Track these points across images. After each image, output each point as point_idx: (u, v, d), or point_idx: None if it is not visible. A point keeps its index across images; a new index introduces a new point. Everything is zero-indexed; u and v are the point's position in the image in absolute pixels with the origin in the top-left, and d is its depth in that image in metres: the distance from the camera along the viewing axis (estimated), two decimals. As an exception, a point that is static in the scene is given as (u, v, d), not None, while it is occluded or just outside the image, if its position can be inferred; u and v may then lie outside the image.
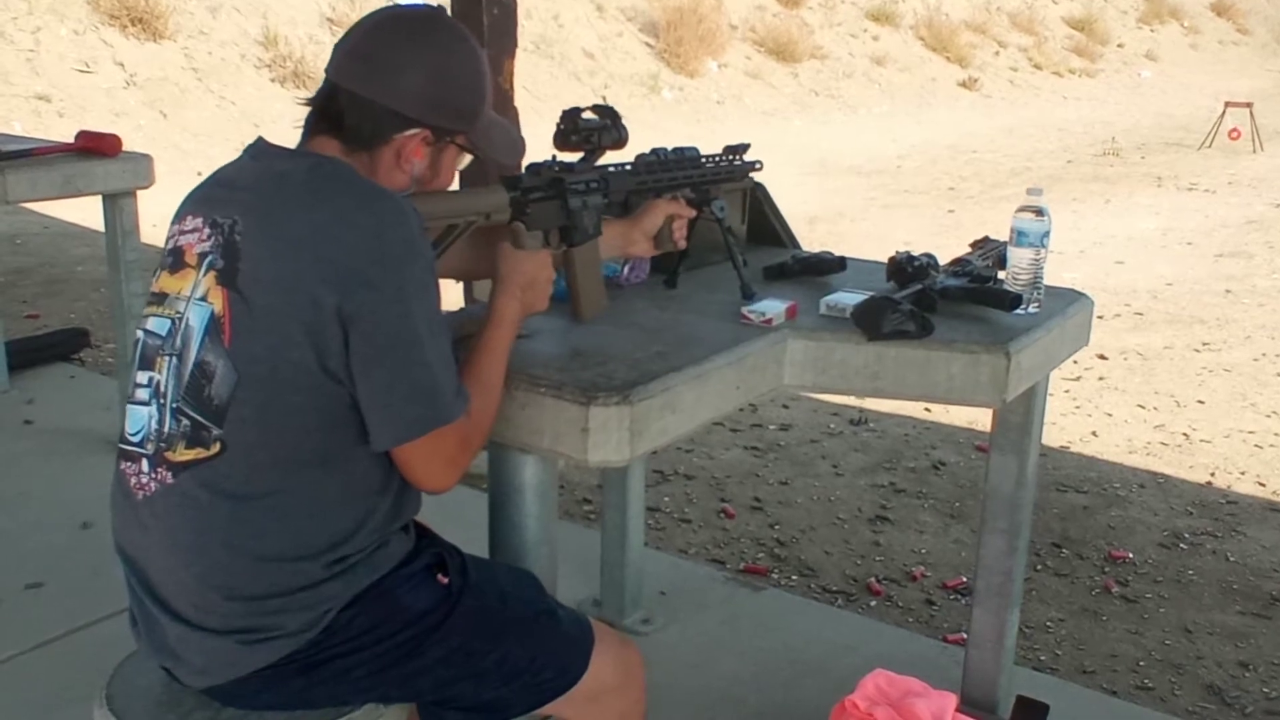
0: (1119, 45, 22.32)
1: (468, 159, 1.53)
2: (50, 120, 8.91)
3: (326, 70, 1.45)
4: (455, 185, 1.59)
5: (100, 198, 3.53)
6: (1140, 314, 6.19)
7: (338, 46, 1.45)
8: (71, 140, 3.52)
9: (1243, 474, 4.01)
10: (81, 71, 9.68)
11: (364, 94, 1.40)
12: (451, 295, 3.13)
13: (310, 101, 1.45)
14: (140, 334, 1.41)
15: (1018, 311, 1.85)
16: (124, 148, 3.52)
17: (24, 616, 2.54)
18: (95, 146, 3.45)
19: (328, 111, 1.42)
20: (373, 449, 1.35)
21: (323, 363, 1.29)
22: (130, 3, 10.17)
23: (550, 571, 1.64)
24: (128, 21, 10.16)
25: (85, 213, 6.05)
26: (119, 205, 3.51)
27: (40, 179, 3.33)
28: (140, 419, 1.38)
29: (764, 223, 2.32)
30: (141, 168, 3.51)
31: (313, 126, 1.43)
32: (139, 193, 3.52)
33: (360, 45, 1.43)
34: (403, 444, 1.35)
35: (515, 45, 3.33)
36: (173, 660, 1.38)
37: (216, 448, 1.31)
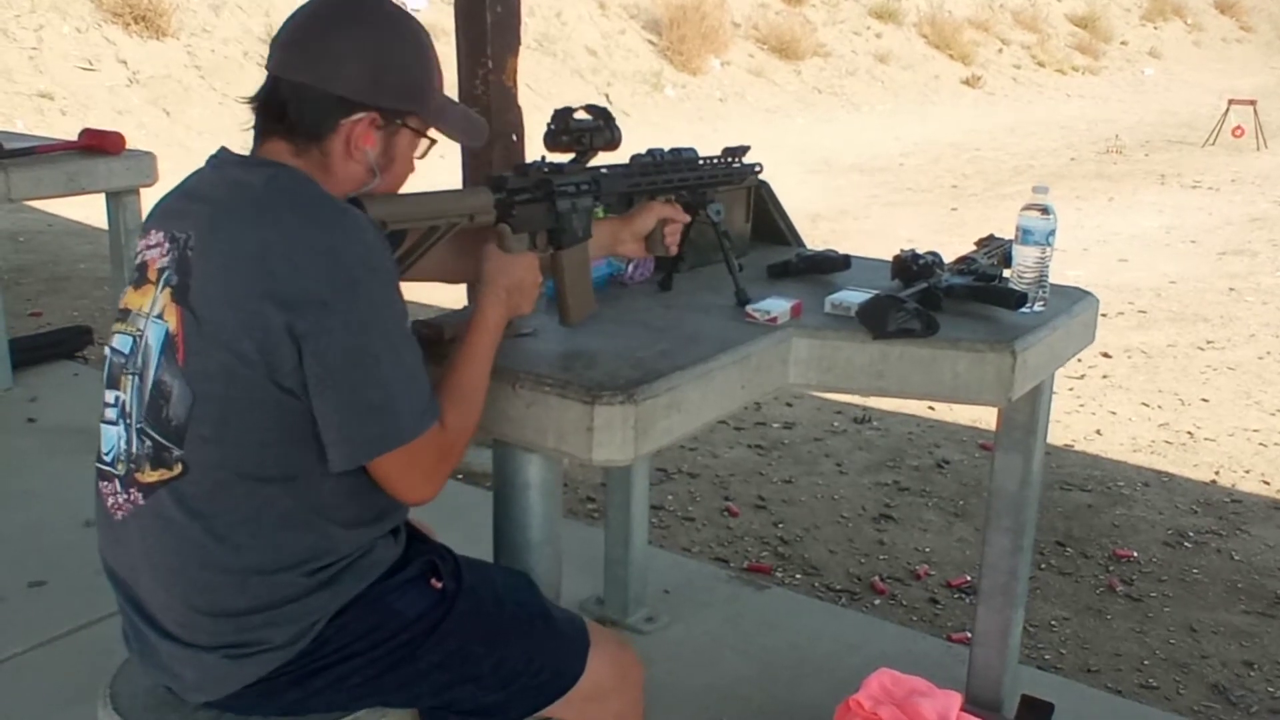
0: (1122, 43, 22.29)
1: (425, 145, 1.47)
2: (53, 118, 8.91)
3: (267, 65, 1.41)
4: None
5: (104, 195, 3.54)
6: (1144, 312, 6.18)
7: (274, 40, 1.41)
8: (75, 138, 3.52)
9: (1247, 473, 4.00)
10: (84, 69, 9.69)
11: (303, 81, 1.35)
12: (455, 295, 3.13)
13: (254, 99, 1.41)
14: (107, 351, 1.40)
15: (1023, 310, 1.84)
16: (127, 146, 3.52)
17: (27, 615, 2.54)
18: (98, 144, 3.46)
19: (270, 107, 1.38)
20: (330, 469, 1.32)
21: (275, 379, 1.27)
22: (133, 0, 10.17)
23: (555, 571, 1.63)
24: (130, 19, 10.17)
25: (88, 210, 6.05)
26: (122, 203, 3.52)
27: (44, 177, 3.33)
28: (111, 439, 1.37)
29: (769, 221, 2.31)
30: (145, 165, 3.52)
31: (262, 128, 1.40)
32: (142, 190, 3.53)
33: (294, 34, 1.39)
34: (357, 465, 1.32)
35: (518, 43, 3.32)
36: (167, 676, 1.38)
37: (179, 468, 1.30)
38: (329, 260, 1.27)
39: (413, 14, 1.48)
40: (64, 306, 5.48)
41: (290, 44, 1.39)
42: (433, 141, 1.48)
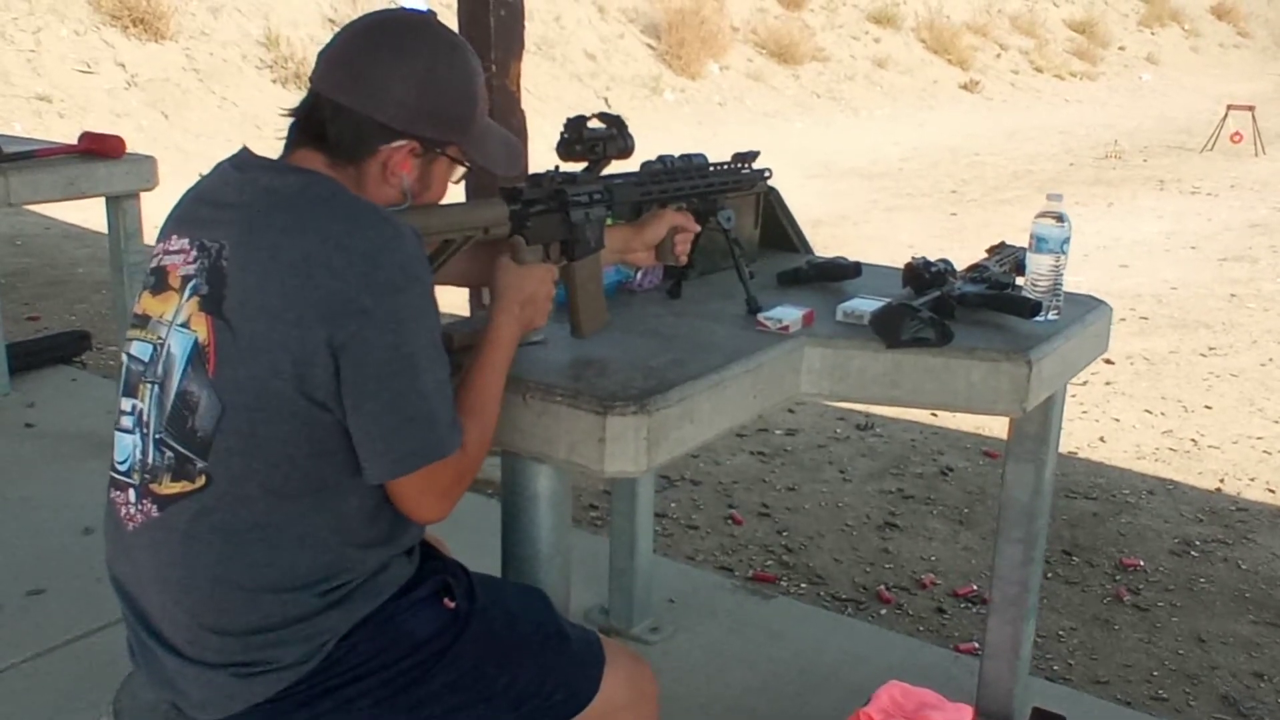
0: (1120, 48, 22.31)
1: (461, 171, 1.47)
2: (51, 121, 8.88)
3: (311, 79, 1.39)
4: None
5: (103, 199, 3.51)
6: (1145, 318, 6.17)
7: (322, 54, 1.39)
8: (74, 141, 3.49)
9: (1252, 480, 3.98)
10: (83, 72, 9.65)
11: (347, 104, 1.33)
12: (457, 301, 3.11)
13: (293, 112, 1.39)
14: (124, 358, 1.37)
15: (1037, 319, 1.82)
16: (127, 149, 3.49)
17: (25, 623, 2.51)
18: (98, 148, 3.43)
19: (310, 123, 1.36)
20: (365, 482, 1.30)
21: (307, 391, 1.24)
22: (131, 3, 10.14)
23: (563, 583, 1.61)
24: (129, 22, 10.14)
25: (86, 213, 6.03)
26: (122, 207, 3.49)
27: (43, 181, 3.30)
28: (126, 448, 1.34)
29: (777, 227, 2.29)
30: (145, 169, 3.49)
31: (295, 138, 1.37)
32: (142, 195, 3.50)
33: (344, 53, 1.37)
34: (396, 477, 1.30)
35: (522, 47, 3.30)
36: (173, 692, 1.35)
37: (202, 480, 1.27)
38: (370, 268, 1.25)
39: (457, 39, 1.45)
40: (62, 310, 5.45)
41: (338, 62, 1.37)
42: (469, 169, 1.47)
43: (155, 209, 3.48)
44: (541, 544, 1.58)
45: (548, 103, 11.54)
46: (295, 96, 1.42)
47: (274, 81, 10.53)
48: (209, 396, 1.26)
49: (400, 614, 1.37)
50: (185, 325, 1.29)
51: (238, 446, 1.26)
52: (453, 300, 3.08)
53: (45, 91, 9.29)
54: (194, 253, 1.31)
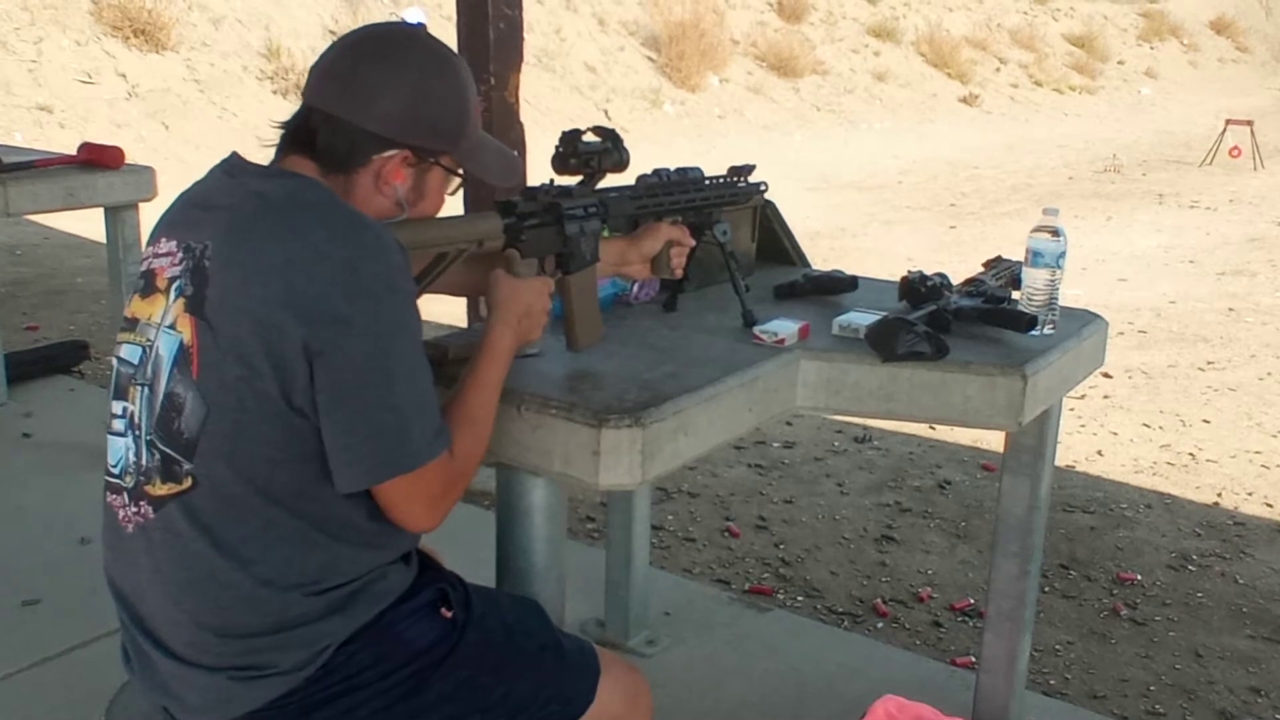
0: (1119, 62, 22.40)
1: (456, 182, 1.47)
2: (52, 131, 8.90)
3: (303, 94, 1.40)
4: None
5: (102, 210, 3.52)
6: (1144, 332, 6.17)
7: (314, 68, 1.40)
8: (74, 152, 3.50)
9: (1250, 495, 3.98)
10: (83, 82, 9.68)
11: (338, 114, 1.35)
12: (455, 311, 3.10)
13: (284, 124, 1.40)
14: (115, 361, 1.37)
15: (1033, 333, 1.83)
16: (126, 160, 3.50)
17: (20, 634, 2.50)
18: (98, 159, 3.44)
19: (301, 133, 1.37)
20: (337, 490, 1.30)
21: (287, 397, 1.25)
22: (133, 14, 10.18)
23: (559, 596, 1.61)
24: (130, 32, 10.17)
25: (86, 223, 6.04)
26: (121, 217, 3.50)
27: (42, 191, 3.31)
28: (119, 451, 1.34)
29: (774, 240, 2.30)
30: (144, 180, 3.50)
31: (286, 147, 1.38)
32: (141, 205, 3.50)
33: (334, 65, 1.38)
34: (365, 487, 1.30)
35: (521, 60, 3.31)
36: (168, 697, 1.35)
37: (189, 482, 1.28)
38: (350, 276, 1.25)
39: (452, 51, 1.46)
40: (61, 320, 5.45)
41: (328, 74, 1.38)
42: (463, 180, 1.47)
43: (154, 219, 3.49)
44: (537, 556, 1.58)
45: (548, 115, 11.58)
46: (296, 108, 1.43)
47: (275, 93, 10.56)
48: (194, 398, 1.27)
49: (399, 622, 1.38)
50: (172, 327, 1.29)
51: (222, 448, 1.26)
52: (450, 310, 3.09)
53: (46, 101, 9.31)
54: (180, 254, 1.32)
